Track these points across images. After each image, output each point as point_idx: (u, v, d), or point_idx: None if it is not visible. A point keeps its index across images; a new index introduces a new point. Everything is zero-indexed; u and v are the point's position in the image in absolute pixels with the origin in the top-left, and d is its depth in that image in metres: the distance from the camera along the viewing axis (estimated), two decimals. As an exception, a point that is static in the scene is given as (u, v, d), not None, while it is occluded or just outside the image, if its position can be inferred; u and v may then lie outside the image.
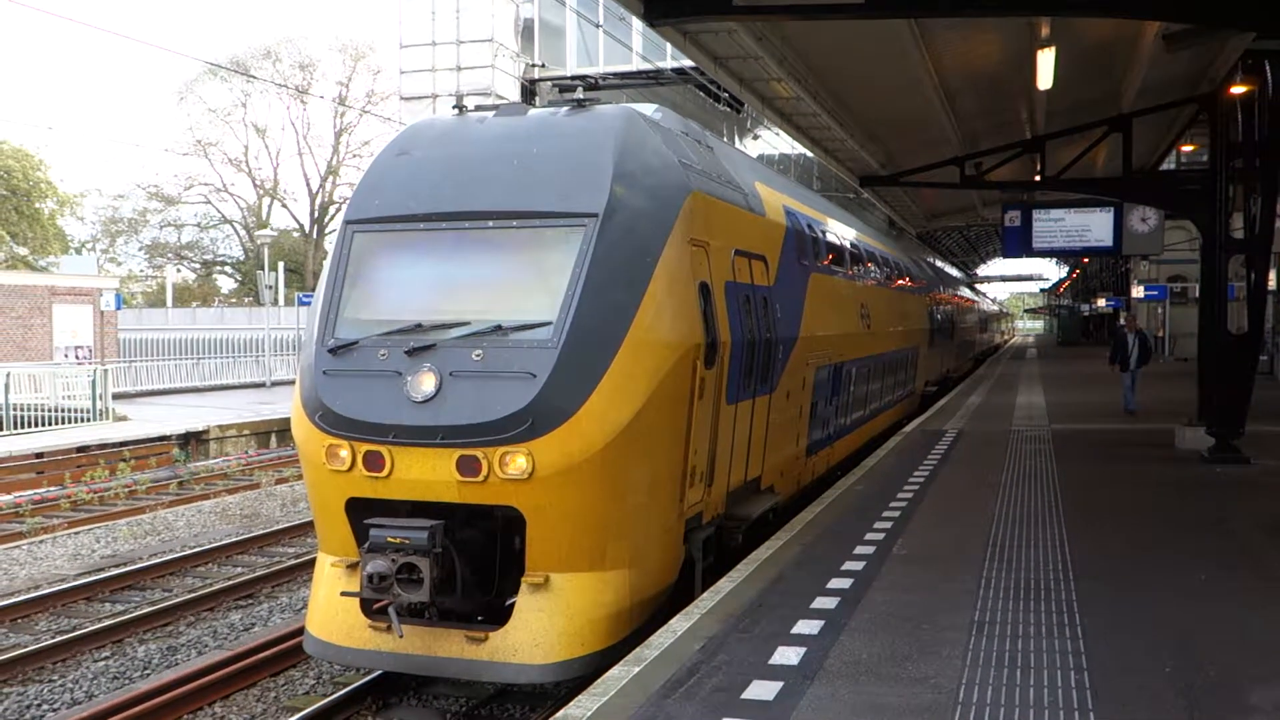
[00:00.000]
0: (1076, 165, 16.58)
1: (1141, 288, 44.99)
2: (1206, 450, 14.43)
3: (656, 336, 7.59)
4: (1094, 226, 17.22)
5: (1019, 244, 17.70)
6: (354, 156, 68.28)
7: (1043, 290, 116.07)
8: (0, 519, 16.39)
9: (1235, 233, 15.30)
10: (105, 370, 26.95)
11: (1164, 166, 22.25)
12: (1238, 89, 13.98)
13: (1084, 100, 16.41)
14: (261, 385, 37.76)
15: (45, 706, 8.71)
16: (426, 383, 7.26)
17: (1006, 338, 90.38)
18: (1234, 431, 14.28)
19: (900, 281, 20.57)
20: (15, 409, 24.07)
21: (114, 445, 22.02)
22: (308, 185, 70.23)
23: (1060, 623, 6.98)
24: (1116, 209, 16.97)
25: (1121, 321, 29.28)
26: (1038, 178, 16.95)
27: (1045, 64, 13.18)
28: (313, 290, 8.81)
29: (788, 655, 6.35)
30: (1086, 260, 65.14)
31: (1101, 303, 64.36)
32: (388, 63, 69.38)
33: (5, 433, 23.29)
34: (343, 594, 7.61)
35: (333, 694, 8.40)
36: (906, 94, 16.07)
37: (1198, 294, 18.21)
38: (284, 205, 72.25)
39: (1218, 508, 11.26)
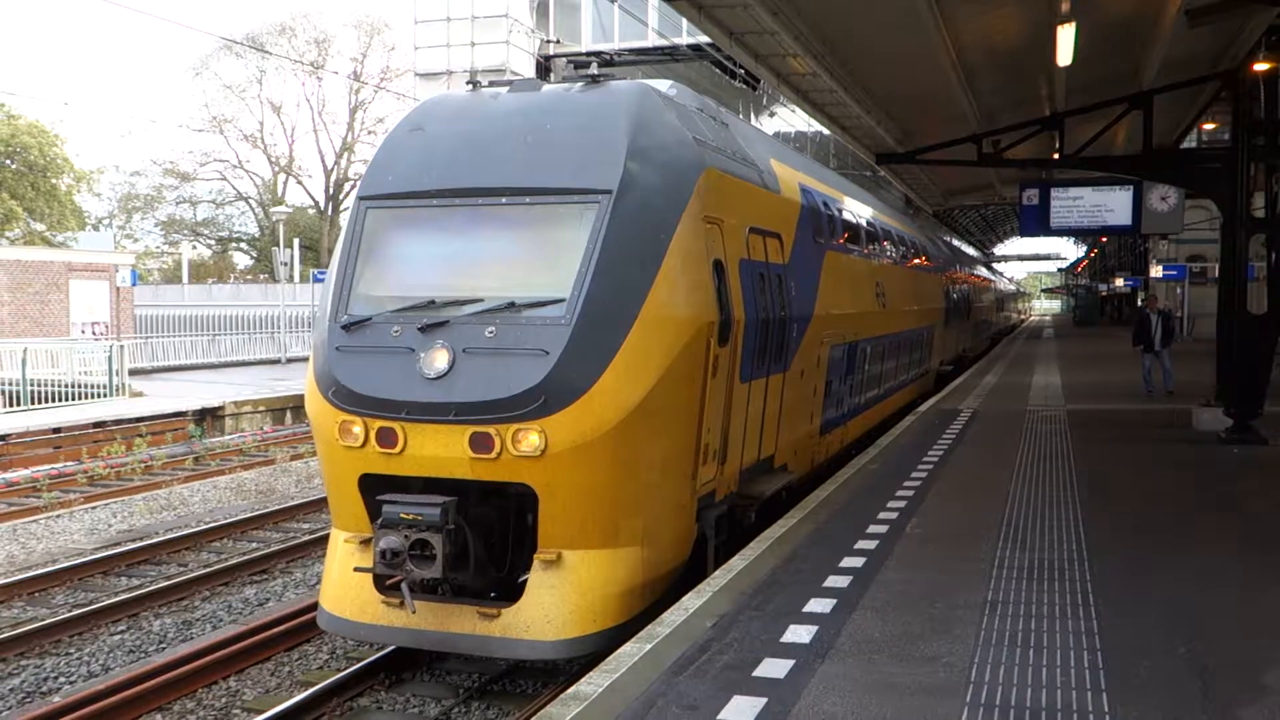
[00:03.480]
0: (1096, 143, 16.39)
1: (1160, 267, 44.64)
2: (1224, 431, 14.33)
3: (670, 314, 7.56)
4: (1113, 205, 17.03)
5: (1036, 223, 17.52)
6: (369, 133, 68.26)
7: (1060, 270, 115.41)
8: (18, 494, 16.52)
9: (1256, 212, 15.14)
10: (121, 346, 27.07)
11: (1185, 144, 22.01)
12: (1261, 66, 13.80)
13: (1104, 77, 16.23)
14: (277, 362, 37.90)
15: (62, 679, 8.79)
16: (439, 359, 7.25)
17: (1023, 317, 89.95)
18: (1252, 412, 14.18)
19: (916, 260, 20.45)
20: (33, 384, 24.21)
21: (130, 421, 22.13)
22: (323, 162, 70.31)
23: (1074, 603, 6.95)
24: (1136, 187, 16.78)
25: (1142, 301, 29.03)
26: (1056, 156, 16.77)
27: (1065, 40, 13.02)
28: (327, 267, 8.81)
29: (800, 633, 6.34)
30: (1105, 239, 64.69)
31: (1119, 282, 63.92)
32: (403, 39, 69.16)
33: (23, 408, 23.44)
34: (356, 570, 7.64)
35: (346, 669, 8.44)
36: (924, 70, 15.92)
37: (1217, 274, 18.06)
38: (299, 182, 72.35)
39: (1235, 488, 11.19)
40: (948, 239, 39.76)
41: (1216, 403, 15.08)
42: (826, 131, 22.07)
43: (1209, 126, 22.36)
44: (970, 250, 56.53)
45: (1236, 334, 14.47)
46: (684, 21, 24.54)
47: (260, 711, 7.78)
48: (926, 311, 21.00)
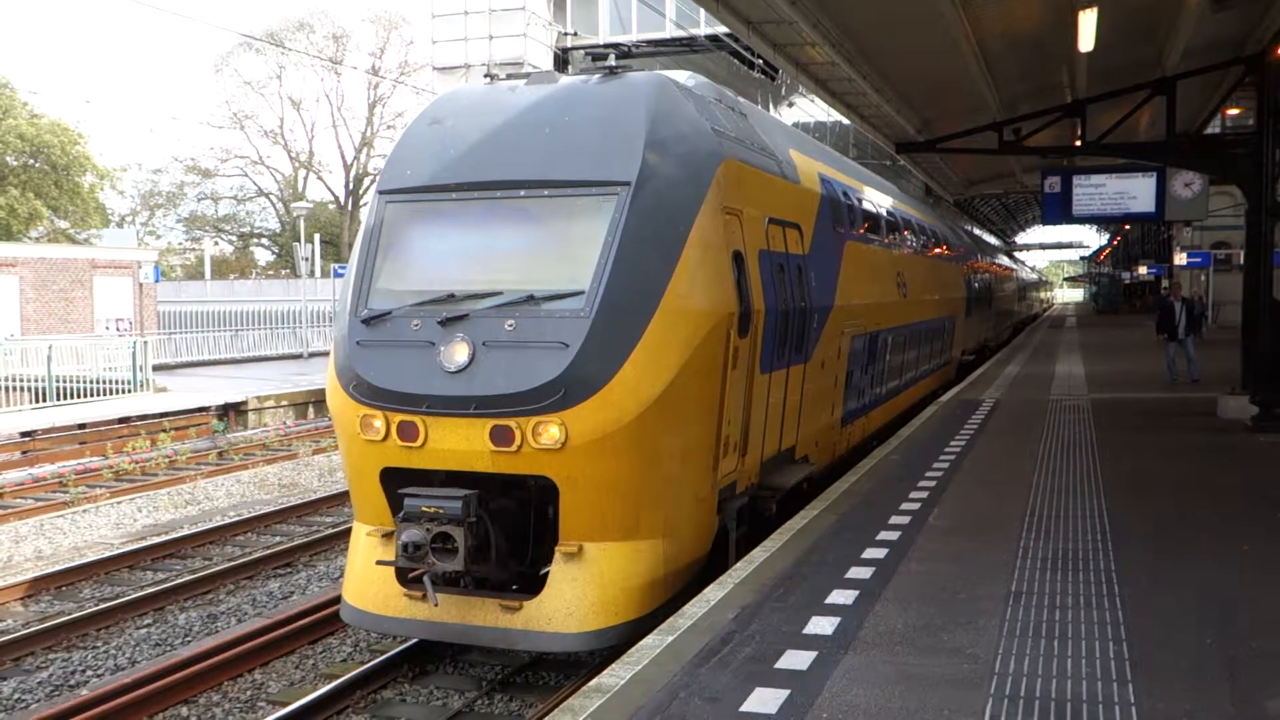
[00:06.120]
0: (1118, 129, 16.24)
1: (1184, 254, 44.20)
2: (1250, 419, 14.19)
3: (689, 305, 7.54)
4: (1136, 192, 16.89)
5: (1058, 211, 17.39)
6: (388, 128, 68.50)
7: (1083, 258, 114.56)
8: (45, 489, 16.68)
9: (1282, 197, 14.97)
10: (145, 342, 27.26)
11: (1209, 130, 21.78)
12: (1286, 49, 13.64)
13: (1126, 63, 16.06)
14: (298, 356, 38.10)
15: (89, 672, 8.87)
16: (459, 353, 7.27)
17: (1045, 306, 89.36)
18: (1279, 400, 14.03)
19: (937, 250, 20.34)
20: (58, 381, 24.43)
21: (154, 416, 22.30)
22: (342, 157, 70.61)
23: (1099, 593, 6.89)
24: (1159, 174, 16.62)
25: (1164, 289, 28.72)
26: (1078, 143, 16.63)
27: (1087, 25, 12.90)
28: (347, 261, 8.87)
29: (822, 625, 6.32)
30: (1128, 227, 64.12)
31: (1143, 270, 63.32)
32: (420, 33, 69.42)
33: (49, 404, 23.65)
34: (378, 563, 7.67)
35: (369, 662, 8.48)
36: (944, 57, 15.81)
37: (1242, 260, 17.89)
38: (319, 177, 72.83)
39: (1261, 477, 11.08)
40: (969, 228, 39.54)
41: (1242, 391, 14.93)
42: (846, 121, 21.93)
43: (1233, 112, 22.15)
44: (991, 239, 56.21)
45: (1262, 321, 14.32)
46: (702, 12, 24.47)
47: (285, 704, 7.83)
48: (948, 301, 20.89)
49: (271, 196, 73.11)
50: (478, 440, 7.21)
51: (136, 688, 8.00)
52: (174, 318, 47.86)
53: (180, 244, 77.19)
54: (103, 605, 10.35)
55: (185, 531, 13.57)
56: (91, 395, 24.72)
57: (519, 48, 31.78)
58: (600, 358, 7.12)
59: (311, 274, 42.64)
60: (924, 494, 10.06)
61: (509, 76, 8.93)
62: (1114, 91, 15.93)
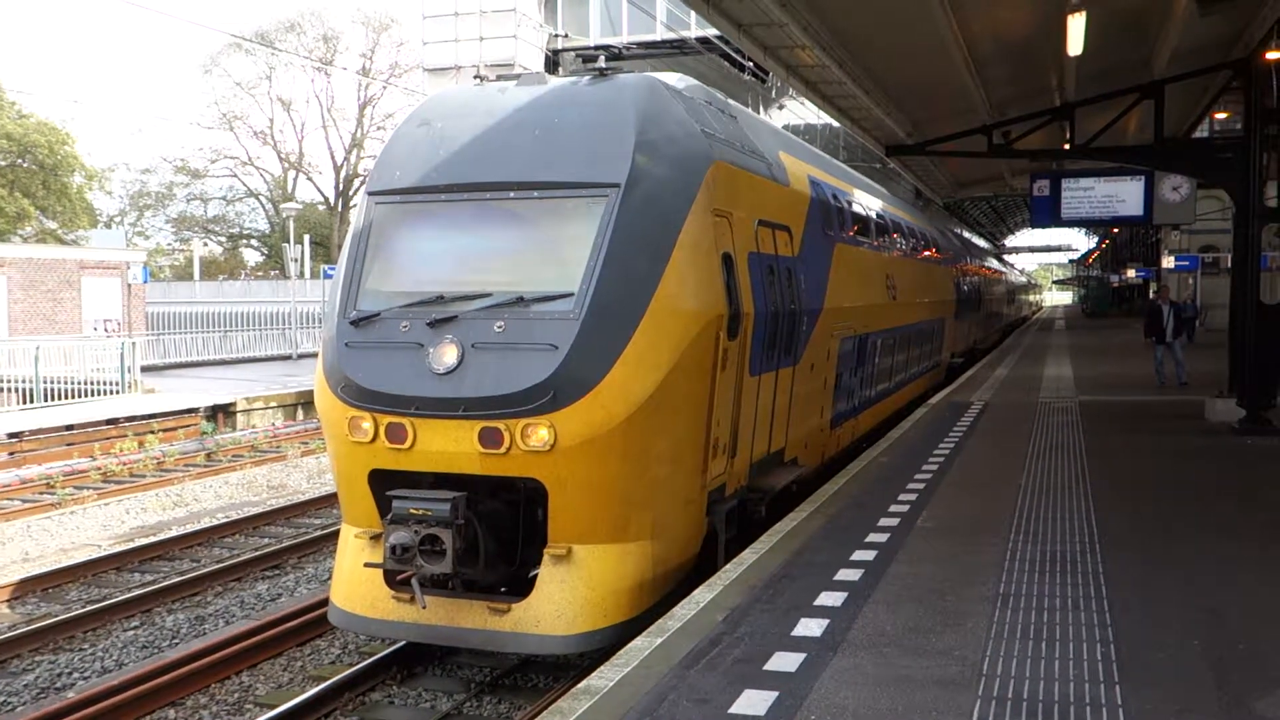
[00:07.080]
0: (1107, 133, 16.30)
1: (1172, 258, 44.39)
2: (1237, 422, 14.25)
3: (679, 307, 7.54)
4: (1124, 196, 16.97)
5: (1047, 214, 17.46)
6: (378, 129, 68.29)
7: (1071, 261, 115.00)
8: (33, 490, 16.59)
9: (1269, 201, 15.07)
10: (133, 343, 27.15)
11: (1197, 134, 21.87)
12: (1273, 54, 13.69)
13: (1115, 66, 16.12)
14: (287, 358, 37.99)
15: (76, 675, 8.83)
16: (448, 354, 7.26)
17: (1035, 309, 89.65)
18: (1265, 403, 14.10)
19: (926, 252, 20.38)
20: (46, 382, 24.32)
21: (142, 418, 22.18)
22: (332, 158, 70.44)
23: (1086, 595, 6.91)
24: (1147, 178, 16.70)
25: (1154, 293, 28.83)
26: (1067, 146, 16.69)
27: (1075, 29, 12.94)
28: (337, 263, 8.91)
29: (810, 627, 6.33)
30: (1116, 230, 64.40)
31: (1131, 273, 63.61)
32: (411, 34, 69.26)
33: (36, 405, 23.54)
34: (367, 565, 7.66)
35: (358, 664, 8.47)
36: (934, 61, 15.85)
37: (1230, 264, 17.97)
38: (309, 178, 72.50)
39: (1248, 480, 11.13)
40: (958, 231, 39.65)
41: (1230, 394, 15.00)
42: (836, 124, 21.97)
43: (1221, 116, 22.24)
44: (981, 242, 56.36)
45: (1250, 324, 14.39)
46: (692, 14, 24.49)
47: (273, 706, 7.81)
48: (937, 304, 20.94)
49: (261, 197, 72.88)
50: (466, 442, 7.20)
51: (124, 690, 7.97)
52: (162, 319, 47.64)
53: (169, 245, 76.92)
54: (90, 607, 10.30)
55: (173, 533, 13.52)
56: (79, 396, 24.61)
57: (509, 49, 31.77)
58: (589, 360, 7.12)
59: (301, 275, 42.53)
60: (913, 496, 10.07)
61: (499, 78, 8.92)
62: (1103, 95, 15.99)
